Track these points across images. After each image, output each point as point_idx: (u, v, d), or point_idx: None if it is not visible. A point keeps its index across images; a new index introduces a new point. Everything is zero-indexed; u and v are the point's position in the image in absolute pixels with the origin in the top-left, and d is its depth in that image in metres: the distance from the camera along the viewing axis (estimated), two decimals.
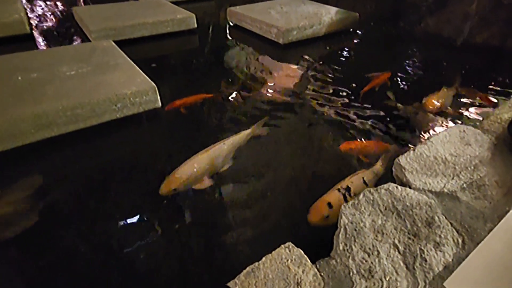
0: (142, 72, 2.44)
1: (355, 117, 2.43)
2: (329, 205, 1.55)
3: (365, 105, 2.55)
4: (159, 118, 2.45)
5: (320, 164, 2.08)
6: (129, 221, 1.65)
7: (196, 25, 4.04)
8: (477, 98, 2.60)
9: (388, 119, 2.40)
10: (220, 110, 2.61)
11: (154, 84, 2.30)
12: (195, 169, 1.78)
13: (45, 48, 3.53)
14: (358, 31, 4.14)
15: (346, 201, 1.57)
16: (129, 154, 2.12)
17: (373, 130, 2.31)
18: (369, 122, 2.38)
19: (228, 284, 1.06)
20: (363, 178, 1.74)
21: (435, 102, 2.44)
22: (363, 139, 2.22)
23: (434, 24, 3.63)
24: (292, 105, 2.63)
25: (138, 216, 1.67)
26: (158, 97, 2.34)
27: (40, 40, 3.73)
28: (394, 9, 4.52)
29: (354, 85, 2.84)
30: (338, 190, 1.64)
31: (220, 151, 1.91)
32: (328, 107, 2.55)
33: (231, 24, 4.37)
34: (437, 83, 2.70)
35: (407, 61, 3.34)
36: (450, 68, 3.15)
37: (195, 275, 1.43)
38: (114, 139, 2.23)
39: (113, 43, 3.00)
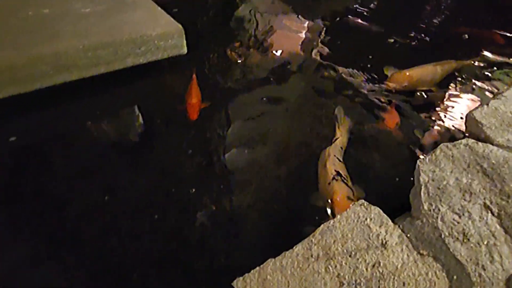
0: (165, 13, 2.15)
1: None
2: (349, 198, 1.31)
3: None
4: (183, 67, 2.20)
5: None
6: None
7: None
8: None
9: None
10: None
11: (181, 27, 2.03)
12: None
13: None
14: None
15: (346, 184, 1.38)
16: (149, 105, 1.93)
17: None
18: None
19: (305, 242, 0.92)
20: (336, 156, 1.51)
21: (400, 78, 2.02)
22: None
23: None
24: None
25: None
26: (185, 42, 2.08)
27: None
28: None
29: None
30: (334, 179, 1.38)
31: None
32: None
33: None
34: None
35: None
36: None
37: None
38: (135, 87, 2.01)
39: None
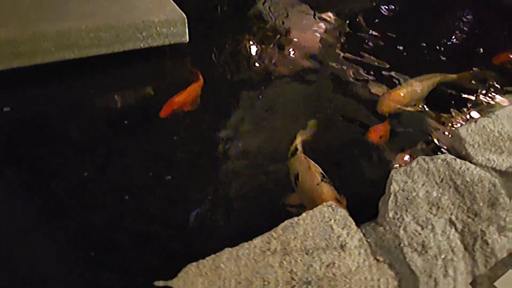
0: (172, 1, 2.18)
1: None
2: (338, 200, 1.31)
3: None
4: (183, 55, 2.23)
5: None
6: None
7: None
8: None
9: None
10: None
11: (184, 15, 2.05)
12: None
13: None
14: None
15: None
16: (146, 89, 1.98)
17: None
18: None
19: (266, 235, 0.95)
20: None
21: (391, 102, 1.86)
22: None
23: None
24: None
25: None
26: (187, 30, 2.10)
27: None
28: None
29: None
30: (323, 181, 1.38)
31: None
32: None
33: None
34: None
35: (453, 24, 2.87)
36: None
37: None
38: (133, 71, 2.05)
39: None
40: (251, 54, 2.37)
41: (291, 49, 2.42)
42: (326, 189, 1.34)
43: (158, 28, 1.98)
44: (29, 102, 1.77)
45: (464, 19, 3.01)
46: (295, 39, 2.52)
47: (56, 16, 1.81)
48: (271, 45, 2.45)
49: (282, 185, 1.50)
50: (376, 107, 1.87)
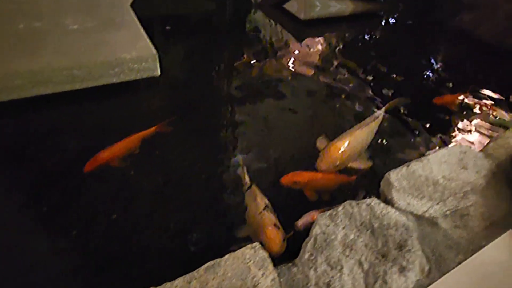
0: (145, 36, 2.34)
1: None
2: (276, 226, 1.45)
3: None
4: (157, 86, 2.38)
5: None
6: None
7: None
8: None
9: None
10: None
11: (155, 52, 2.22)
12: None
13: None
14: (386, 15, 3.84)
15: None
16: (120, 120, 2.10)
17: None
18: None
19: (188, 275, 1.09)
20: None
21: (330, 159, 1.74)
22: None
23: (469, 20, 3.31)
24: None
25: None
26: (158, 65, 2.27)
27: None
28: None
29: (366, 76, 2.67)
30: (265, 210, 1.51)
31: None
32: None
33: None
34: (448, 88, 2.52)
35: (426, 57, 3.11)
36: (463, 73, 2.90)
37: None
38: (108, 103, 2.20)
39: None
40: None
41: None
42: (266, 216, 1.49)
43: (130, 64, 2.15)
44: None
45: (437, 54, 3.22)
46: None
47: (31, 53, 1.97)
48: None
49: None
50: (316, 165, 1.75)
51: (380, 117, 2.06)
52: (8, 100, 1.89)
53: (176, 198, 1.69)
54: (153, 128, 1.89)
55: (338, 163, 1.73)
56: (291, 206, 1.68)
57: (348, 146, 1.79)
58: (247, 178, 1.71)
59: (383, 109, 2.16)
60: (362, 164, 1.83)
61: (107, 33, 2.29)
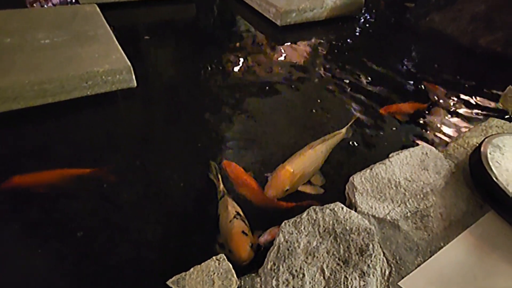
0: (119, 48, 2.36)
1: None
2: (244, 233, 1.47)
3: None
4: (134, 97, 2.40)
5: None
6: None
7: None
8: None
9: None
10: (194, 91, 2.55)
11: (129, 64, 2.23)
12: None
13: (28, 6, 3.36)
14: (362, 18, 3.92)
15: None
16: (98, 133, 2.11)
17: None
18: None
19: None
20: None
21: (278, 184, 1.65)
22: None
23: (439, 21, 3.40)
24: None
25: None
26: (133, 76, 2.28)
27: None
28: None
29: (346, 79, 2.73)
30: (235, 218, 1.53)
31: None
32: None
33: None
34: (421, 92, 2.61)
35: (400, 58, 3.20)
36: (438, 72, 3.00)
37: None
38: (84, 116, 2.20)
39: (97, 9, 2.86)
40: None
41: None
42: (235, 224, 1.51)
43: (103, 76, 2.16)
44: None
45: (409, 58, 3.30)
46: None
47: (0, 71, 1.97)
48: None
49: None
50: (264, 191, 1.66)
51: (341, 134, 2.05)
52: None
53: (152, 209, 1.71)
54: (88, 170, 1.74)
55: (287, 187, 1.65)
56: (267, 216, 1.71)
57: (298, 168, 1.71)
58: (221, 187, 1.74)
59: (345, 127, 2.12)
60: (314, 186, 1.76)
61: (79, 47, 2.30)
